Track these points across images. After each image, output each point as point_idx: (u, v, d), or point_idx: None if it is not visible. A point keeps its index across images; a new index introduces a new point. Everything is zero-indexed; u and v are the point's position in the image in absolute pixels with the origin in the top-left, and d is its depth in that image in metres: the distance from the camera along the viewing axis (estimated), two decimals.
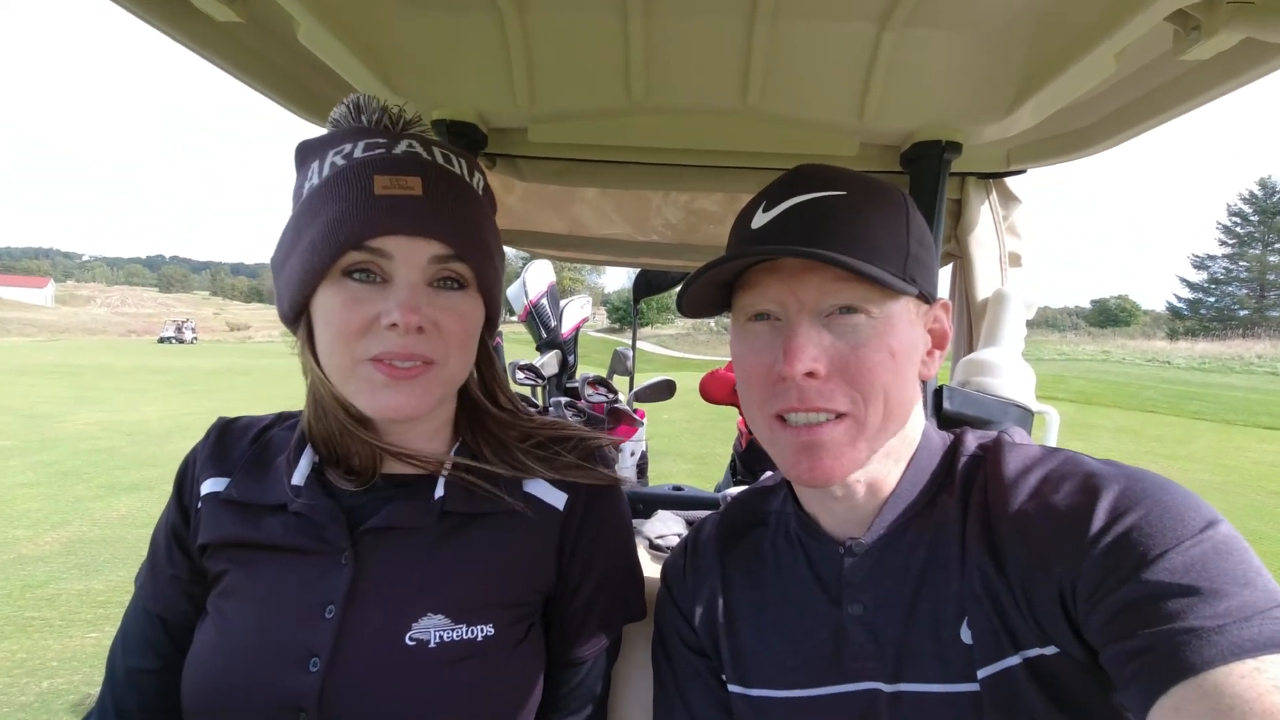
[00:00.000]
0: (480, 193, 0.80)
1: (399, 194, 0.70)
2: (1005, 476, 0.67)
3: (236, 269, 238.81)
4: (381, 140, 0.74)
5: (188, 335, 50.83)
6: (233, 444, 0.85)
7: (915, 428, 0.75)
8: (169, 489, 0.85)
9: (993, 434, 0.75)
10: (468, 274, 0.76)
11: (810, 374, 0.65)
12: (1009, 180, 1.38)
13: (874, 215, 0.67)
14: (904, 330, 0.68)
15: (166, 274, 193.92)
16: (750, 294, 0.70)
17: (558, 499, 0.84)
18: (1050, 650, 0.61)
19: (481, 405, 0.86)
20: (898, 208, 0.70)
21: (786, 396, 0.67)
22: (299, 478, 0.80)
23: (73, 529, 5.45)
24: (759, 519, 0.86)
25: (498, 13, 0.95)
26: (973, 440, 0.75)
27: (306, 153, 0.77)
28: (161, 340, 48.45)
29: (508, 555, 0.80)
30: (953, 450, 0.75)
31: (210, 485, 0.82)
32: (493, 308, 0.82)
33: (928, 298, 0.71)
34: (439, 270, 0.73)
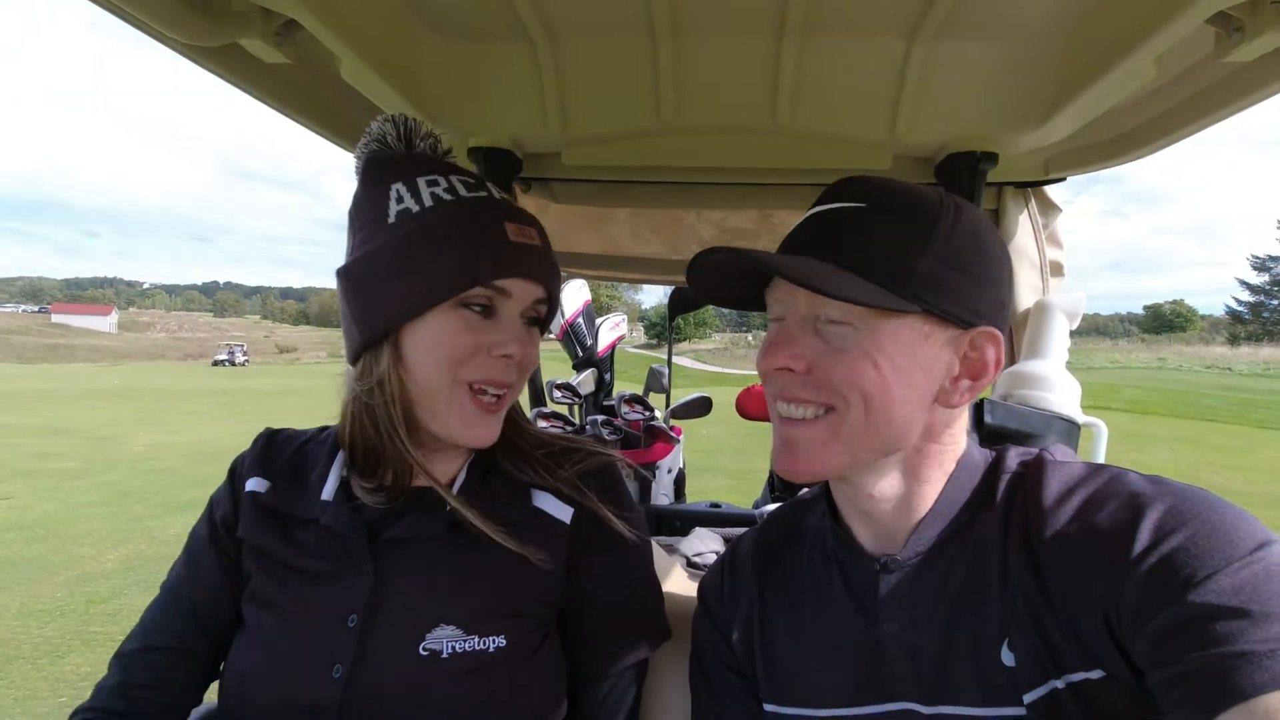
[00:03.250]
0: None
1: (526, 242, 0.80)
2: (1046, 496, 0.66)
3: (285, 293, 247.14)
4: (472, 180, 0.81)
5: (239, 358, 52.76)
6: (276, 452, 0.89)
7: (950, 446, 0.72)
8: None
9: (1034, 451, 0.74)
10: (547, 313, 0.85)
11: (788, 369, 0.68)
12: (1048, 188, 1.35)
13: (882, 230, 0.66)
14: (901, 348, 0.65)
15: (220, 299, 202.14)
16: (771, 297, 0.73)
17: (564, 513, 0.85)
18: (1095, 674, 0.59)
19: (511, 417, 0.88)
20: (921, 226, 0.66)
21: (776, 385, 0.70)
22: (328, 493, 0.83)
23: (132, 546, 5.69)
24: (796, 534, 0.85)
25: (529, 42, 0.98)
26: (1014, 458, 0.73)
27: (382, 171, 0.79)
28: (215, 363, 50.46)
29: (518, 566, 0.81)
30: (994, 468, 0.73)
31: (253, 484, 0.86)
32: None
33: (957, 320, 0.66)
34: (532, 309, 0.82)
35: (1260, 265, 64.61)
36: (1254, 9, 0.69)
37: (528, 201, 1.54)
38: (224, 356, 52.15)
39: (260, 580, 0.82)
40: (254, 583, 0.82)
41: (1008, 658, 0.63)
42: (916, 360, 0.66)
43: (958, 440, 0.73)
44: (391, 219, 0.76)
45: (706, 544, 1.47)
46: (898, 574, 0.71)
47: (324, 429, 0.93)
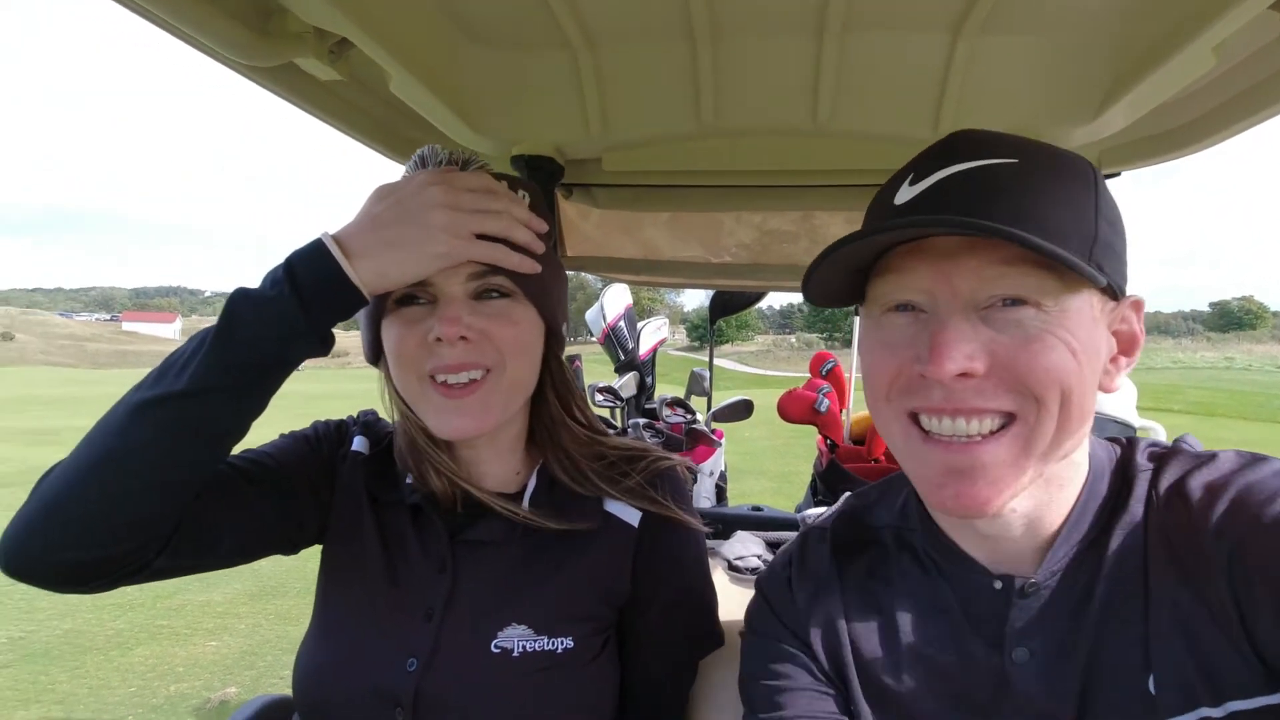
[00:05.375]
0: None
1: None
2: (1194, 494, 0.57)
3: None
4: None
5: None
6: (376, 430, 0.94)
7: (1082, 448, 0.62)
8: None
9: (1162, 442, 0.66)
10: (510, 284, 0.79)
11: (965, 374, 0.54)
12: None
13: (1053, 187, 0.55)
14: (1085, 329, 0.55)
15: None
16: (890, 281, 0.60)
17: (633, 516, 0.86)
18: (1270, 699, 0.51)
19: (559, 420, 0.89)
20: (1084, 180, 0.57)
21: (927, 394, 0.56)
22: (412, 479, 0.86)
23: None
24: (873, 536, 0.75)
25: (570, 49, 0.99)
26: (1144, 452, 0.64)
27: None
28: None
29: (587, 570, 0.83)
30: (1123, 467, 0.64)
31: (358, 444, 0.90)
32: (550, 317, 0.84)
33: (1116, 292, 0.58)
34: (480, 284, 0.78)
35: None
36: None
37: (568, 208, 1.56)
38: None
39: (342, 551, 0.84)
40: (336, 550, 0.85)
41: (1153, 685, 0.55)
42: (1095, 341, 0.57)
43: (1087, 440, 0.64)
44: None
45: (748, 547, 1.46)
46: (1033, 598, 0.61)
47: None
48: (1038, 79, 0.95)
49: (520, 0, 0.88)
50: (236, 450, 0.77)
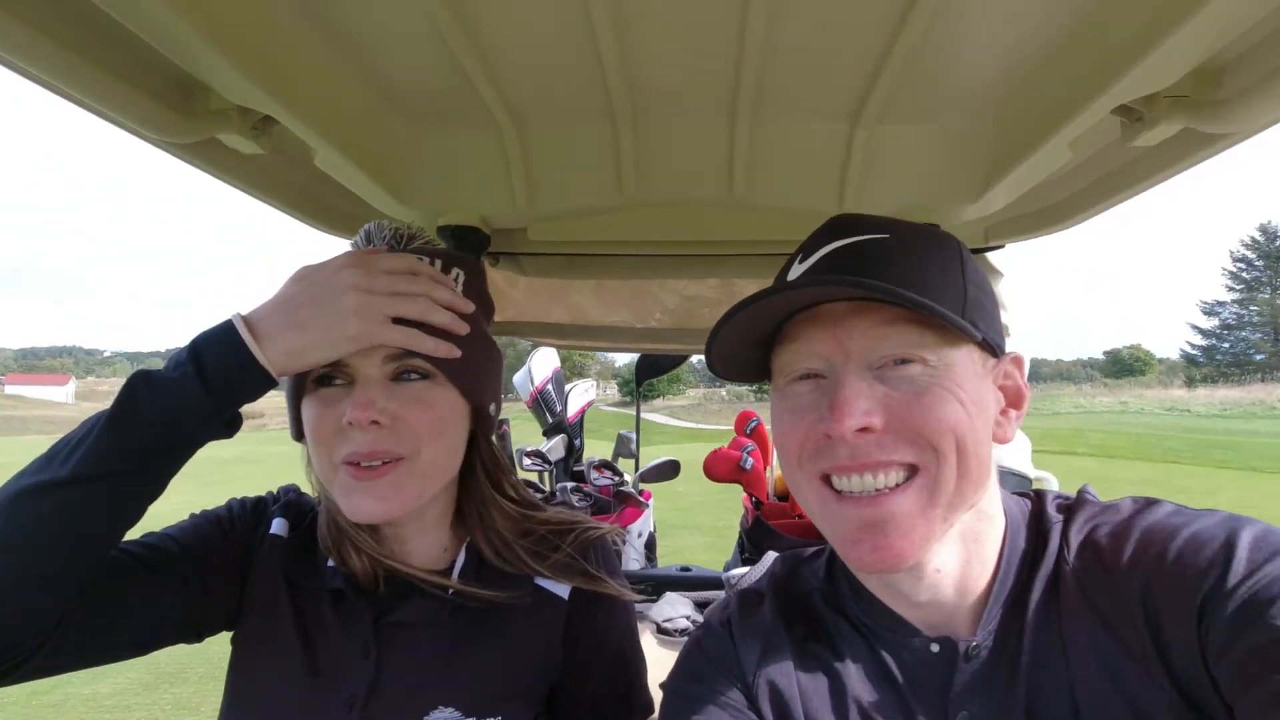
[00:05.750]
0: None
1: None
2: (1102, 539, 0.60)
3: None
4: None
5: None
6: (297, 509, 0.90)
7: (996, 497, 0.65)
8: None
9: (1066, 495, 0.69)
10: (427, 365, 0.77)
11: (864, 429, 0.57)
12: (990, 255, 1.43)
13: (923, 256, 0.61)
14: (971, 382, 0.59)
15: None
16: (790, 350, 0.63)
17: (562, 589, 0.86)
18: None
19: (489, 498, 0.87)
20: (951, 251, 0.63)
21: (834, 454, 0.59)
22: (333, 562, 0.83)
23: None
24: (805, 600, 0.74)
25: (496, 128, 1.03)
26: (1052, 504, 0.68)
27: None
28: None
29: (517, 645, 0.81)
30: (1036, 521, 0.66)
31: (277, 527, 0.85)
32: (476, 398, 0.82)
33: (994, 349, 0.63)
34: (398, 366, 0.76)
35: (1209, 310, 67.32)
36: (1150, 102, 0.76)
37: (496, 275, 1.57)
38: None
39: (255, 640, 0.80)
40: (249, 638, 0.80)
41: None
42: (981, 394, 0.60)
43: (997, 495, 0.66)
44: None
45: (677, 609, 1.46)
46: (975, 662, 0.62)
47: None
48: (928, 162, 1.05)
49: (446, 80, 0.91)
50: (139, 530, 0.73)
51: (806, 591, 0.75)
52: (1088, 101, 0.76)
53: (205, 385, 0.65)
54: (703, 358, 0.75)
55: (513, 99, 0.96)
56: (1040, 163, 0.92)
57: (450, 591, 0.81)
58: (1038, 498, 0.69)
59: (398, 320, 0.73)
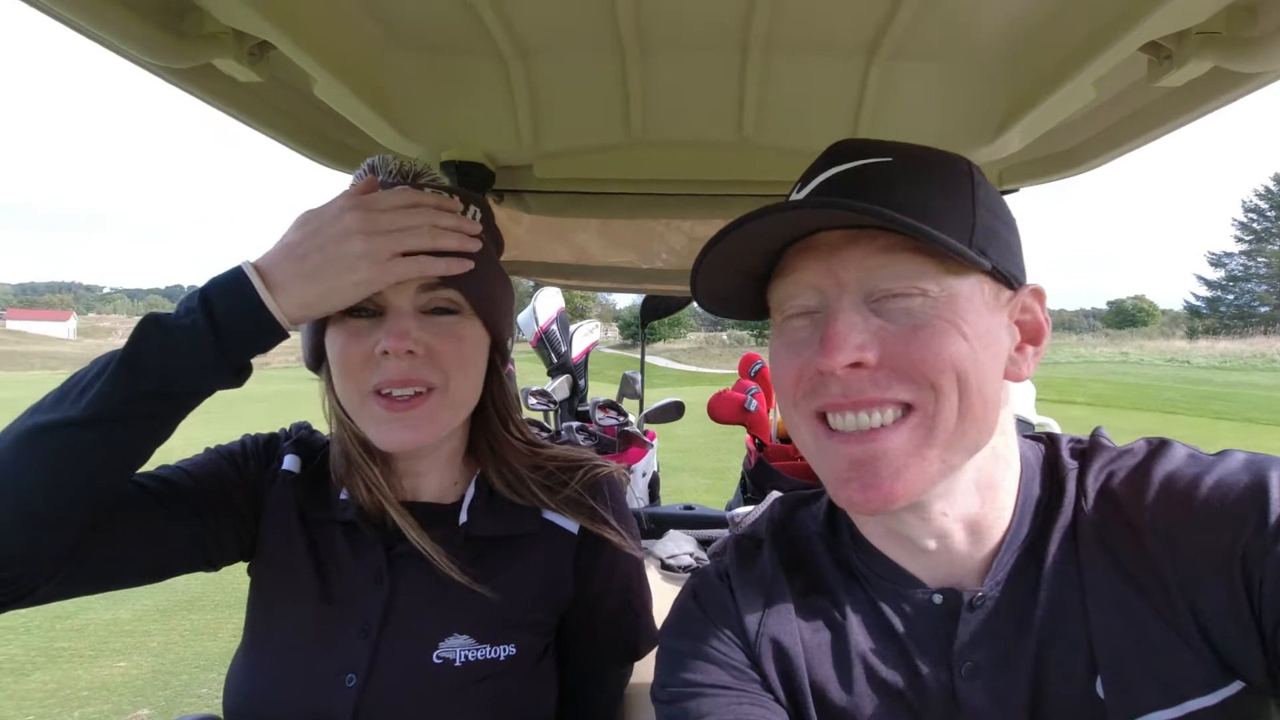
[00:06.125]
0: (475, 225, 0.83)
1: None
2: (1119, 487, 0.58)
3: None
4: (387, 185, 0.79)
5: None
6: (311, 445, 0.91)
7: (1011, 438, 0.62)
8: None
9: (1080, 438, 0.66)
10: (458, 299, 0.79)
11: (857, 364, 0.54)
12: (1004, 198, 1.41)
13: (927, 179, 0.57)
14: (977, 314, 0.55)
15: None
16: (784, 283, 0.60)
17: (571, 524, 0.88)
18: (1231, 689, 0.51)
19: (499, 435, 0.89)
20: (959, 174, 0.58)
21: (827, 391, 0.56)
22: (346, 494, 0.84)
23: None
24: (805, 546, 0.71)
25: (501, 60, 1.00)
26: (1067, 448, 0.64)
27: None
28: None
29: (529, 576, 0.84)
30: (1051, 466, 0.63)
31: (289, 463, 0.87)
32: (497, 332, 0.85)
33: (1009, 279, 0.58)
34: (430, 299, 0.78)
35: (1216, 261, 66.72)
36: (1180, 39, 0.73)
37: (500, 213, 1.55)
38: None
39: (272, 570, 0.83)
40: (266, 569, 0.83)
41: (1100, 689, 0.54)
42: (990, 328, 0.56)
43: (1012, 430, 0.63)
44: None
45: (681, 546, 1.50)
46: (980, 612, 0.59)
47: None
48: (944, 101, 1.02)
49: (450, 9, 0.88)
50: (155, 461, 0.74)
51: (806, 536, 0.72)
52: (1115, 38, 0.73)
53: (216, 335, 0.65)
54: None
55: (518, 28, 0.93)
56: (1061, 103, 0.89)
57: (461, 522, 0.83)
58: (1051, 442, 0.66)
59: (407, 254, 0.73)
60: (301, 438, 0.92)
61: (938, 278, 0.54)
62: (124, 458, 0.66)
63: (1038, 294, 0.60)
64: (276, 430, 0.94)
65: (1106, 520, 0.57)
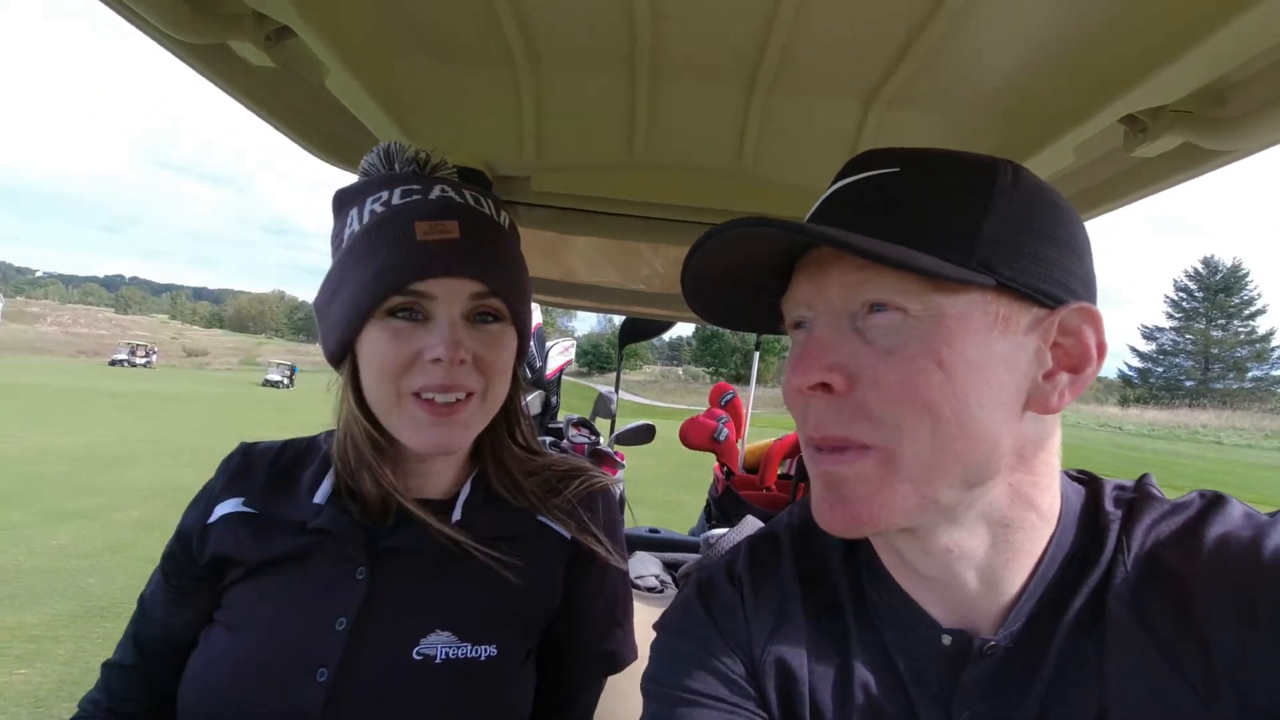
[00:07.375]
0: (509, 230, 0.86)
1: (439, 238, 0.75)
2: (1168, 549, 0.53)
3: (199, 293, 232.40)
4: (416, 186, 0.79)
5: (140, 359, 49.31)
6: (254, 464, 0.86)
7: (1045, 478, 0.55)
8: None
9: (1126, 484, 0.61)
10: (503, 308, 0.80)
11: (825, 387, 0.51)
12: None
13: (933, 188, 0.52)
14: (971, 337, 0.49)
15: (124, 295, 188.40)
16: (786, 298, 0.58)
17: (564, 529, 0.88)
18: None
19: (503, 436, 0.90)
20: (975, 180, 0.52)
21: (806, 417, 0.54)
22: (321, 497, 0.82)
23: (6, 557, 5.16)
24: (825, 556, 0.67)
25: (512, 67, 1.02)
26: (1110, 495, 0.59)
27: (344, 201, 0.82)
28: (113, 363, 46.93)
29: (518, 577, 0.82)
30: (1091, 516, 0.58)
31: (225, 508, 0.82)
32: (524, 339, 0.87)
33: (1038, 297, 0.51)
34: (477, 306, 0.78)
35: (1149, 334, 70.58)
36: (1156, 115, 0.79)
37: None
38: (123, 356, 48.22)
39: (240, 592, 0.79)
40: (234, 594, 0.80)
41: None
42: (994, 352, 0.50)
43: (1053, 468, 0.56)
44: (343, 242, 0.79)
45: (647, 567, 1.51)
46: (989, 661, 0.55)
47: (316, 436, 0.92)
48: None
49: (471, 12, 0.90)
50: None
51: (826, 548, 0.67)
52: (1097, 109, 0.79)
53: None
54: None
55: (537, 39, 0.95)
56: (1042, 164, 0.95)
57: (453, 522, 0.82)
58: (1093, 484, 0.61)
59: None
60: (236, 469, 0.86)
61: (921, 295, 0.49)
62: None
63: (1087, 314, 0.52)
64: (204, 484, 0.88)
65: (1147, 582, 0.52)
